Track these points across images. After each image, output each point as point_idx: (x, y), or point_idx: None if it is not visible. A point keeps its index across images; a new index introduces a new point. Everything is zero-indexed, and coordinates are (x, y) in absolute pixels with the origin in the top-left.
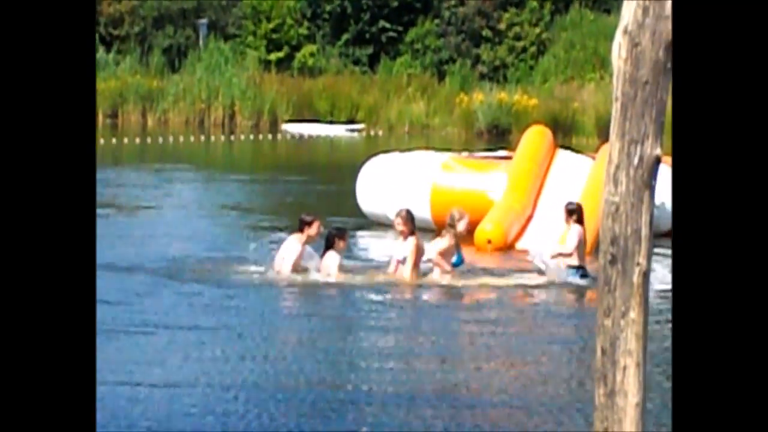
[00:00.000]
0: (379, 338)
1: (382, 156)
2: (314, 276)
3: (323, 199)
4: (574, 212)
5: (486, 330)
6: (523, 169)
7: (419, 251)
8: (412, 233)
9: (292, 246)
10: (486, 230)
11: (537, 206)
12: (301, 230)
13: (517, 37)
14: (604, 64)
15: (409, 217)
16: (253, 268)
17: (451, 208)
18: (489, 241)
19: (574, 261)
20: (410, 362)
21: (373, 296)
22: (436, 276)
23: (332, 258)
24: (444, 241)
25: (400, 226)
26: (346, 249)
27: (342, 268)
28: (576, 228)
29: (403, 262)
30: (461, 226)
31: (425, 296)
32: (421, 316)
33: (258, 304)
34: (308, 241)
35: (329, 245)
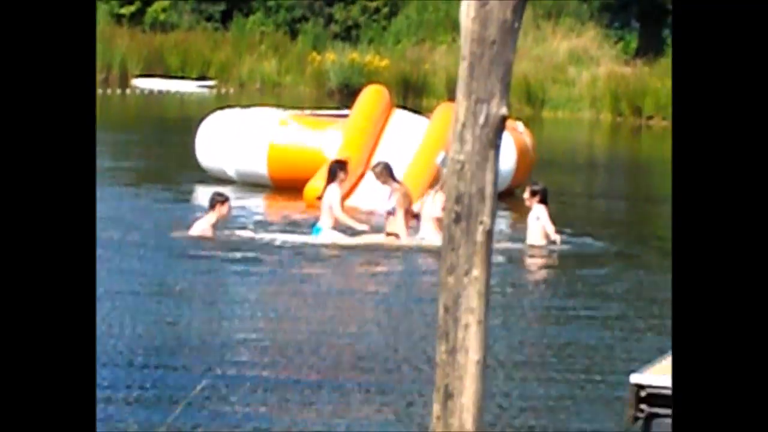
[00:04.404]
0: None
1: (221, 112)
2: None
3: (168, 154)
4: (537, 193)
5: None
6: (357, 127)
7: (407, 200)
8: (393, 181)
9: (203, 229)
10: (316, 187)
11: (369, 164)
12: (212, 207)
13: None
14: (456, 26)
15: (385, 169)
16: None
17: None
18: (318, 198)
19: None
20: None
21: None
22: (429, 234)
23: (334, 192)
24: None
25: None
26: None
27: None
28: (540, 207)
29: (392, 213)
30: None
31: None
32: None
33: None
34: (219, 221)
35: (332, 177)
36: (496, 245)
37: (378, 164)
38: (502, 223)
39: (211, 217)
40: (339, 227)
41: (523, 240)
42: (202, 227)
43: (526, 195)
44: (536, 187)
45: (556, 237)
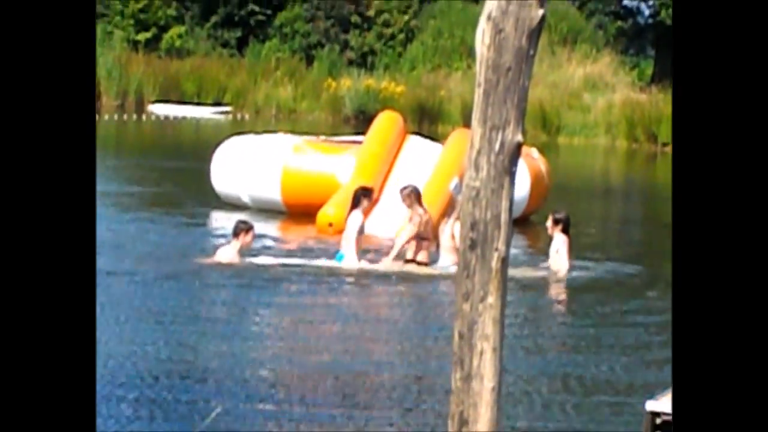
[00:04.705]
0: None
1: (236, 138)
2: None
3: (183, 180)
4: (560, 222)
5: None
6: (371, 153)
7: (426, 228)
8: (418, 206)
9: (228, 256)
10: (328, 214)
11: (383, 191)
12: (236, 235)
13: (386, 24)
14: (471, 53)
15: (413, 192)
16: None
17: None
18: (330, 224)
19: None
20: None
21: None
22: (447, 262)
23: (356, 219)
24: None
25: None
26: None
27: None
28: (561, 237)
29: (414, 239)
30: None
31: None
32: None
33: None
34: (243, 249)
35: (355, 203)
36: (515, 272)
37: (407, 187)
38: (518, 250)
39: (236, 245)
40: (360, 254)
41: (540, 267)
42: (227, 254)
43: (549, 223)
44: (559, 216)
45: (565, 268)
